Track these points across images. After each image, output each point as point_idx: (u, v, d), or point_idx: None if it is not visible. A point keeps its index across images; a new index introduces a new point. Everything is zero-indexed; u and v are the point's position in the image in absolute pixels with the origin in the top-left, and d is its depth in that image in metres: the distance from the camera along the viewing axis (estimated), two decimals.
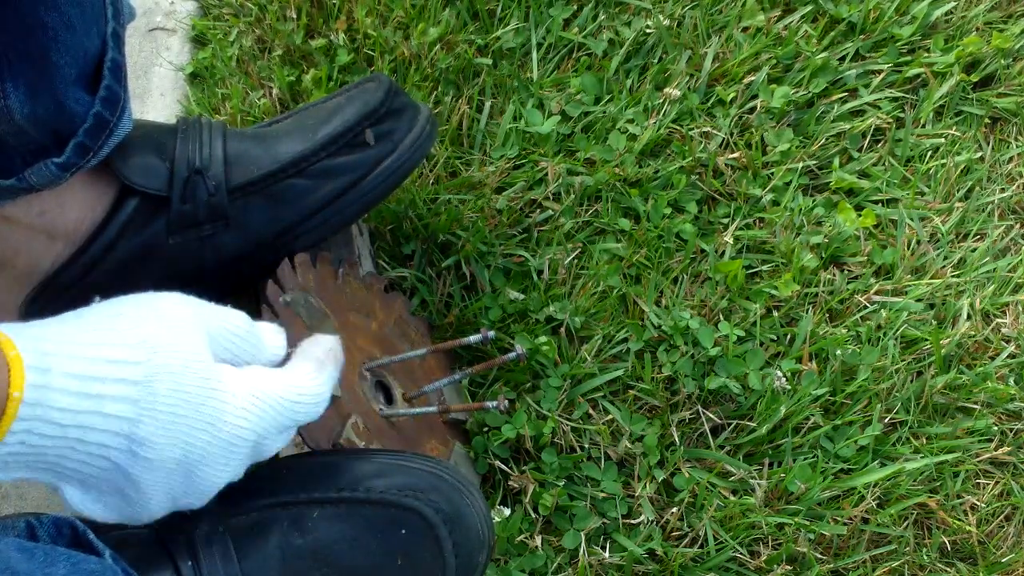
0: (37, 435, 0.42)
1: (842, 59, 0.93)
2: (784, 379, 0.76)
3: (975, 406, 0.77)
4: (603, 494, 0.72)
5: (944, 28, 0.96)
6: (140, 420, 0.45)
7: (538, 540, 0.70)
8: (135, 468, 0.46)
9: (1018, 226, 0.88)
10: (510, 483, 0.72)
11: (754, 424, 0.74)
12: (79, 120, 0.61)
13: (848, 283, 0.82)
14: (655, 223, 0.83)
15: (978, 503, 0.74)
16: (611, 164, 0.85)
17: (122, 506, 0.49)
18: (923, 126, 0.91)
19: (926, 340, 0.79)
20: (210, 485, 0.50)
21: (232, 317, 0.52)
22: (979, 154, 0.90)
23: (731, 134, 0.88)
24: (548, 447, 0.73)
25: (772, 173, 0.87)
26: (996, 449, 0.76)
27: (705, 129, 0.88)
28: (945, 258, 0.85)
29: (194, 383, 0.47)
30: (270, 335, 0.55)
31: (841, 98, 0.91)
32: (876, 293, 0.82)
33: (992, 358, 0.80)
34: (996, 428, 0.77)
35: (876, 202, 0.87)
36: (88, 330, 0.45)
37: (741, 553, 0.70)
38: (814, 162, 0.88)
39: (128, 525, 0.53)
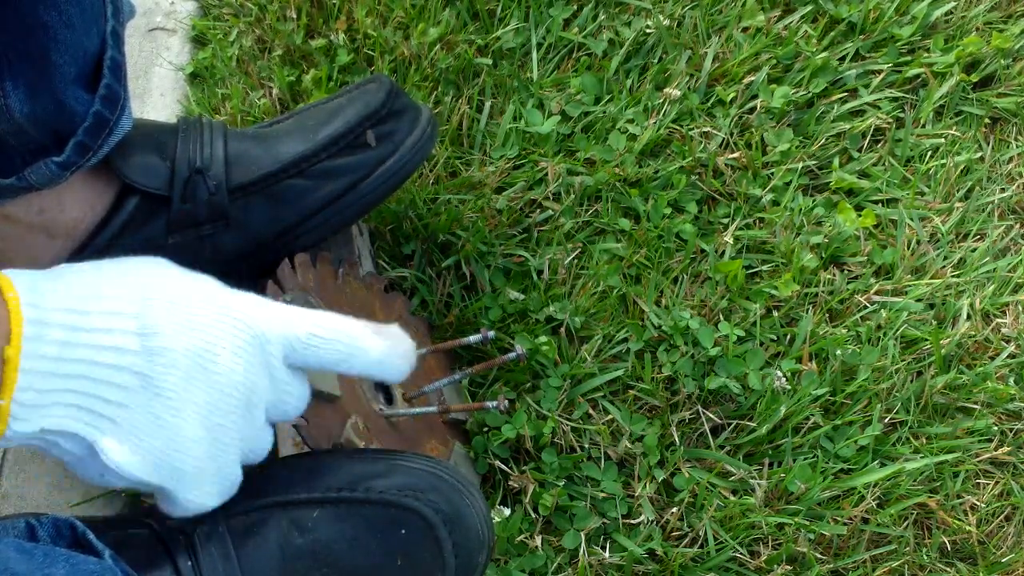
0: (50, 342, 0.43)
1: (842, 59, 0.93)
2: (784, 379, 0.76)
3: (975, 406, 0.77)
4: (603, 494, 0.72)
5: (944, 28, 0.96)
6: (144, 314, 0.46)
7: (538, 540, 0.70)
8: (156, 368, 0.46)
9: (1018, 226, 0.88)
10: (510, 483, 0.72)
11: (754, 424, 0.74)
12: (79, 119, 0.61)
13: (848, 283, 0.82)
14: (655, 223, 0.83)
15: (978, 503, 0.74)
16: (611, 164, 0.85)
17: (161, 449, 0.47)
18: (923, 126, 0.91)
19: (926, 340, 0.79)
20: (232, 388, 0.48)
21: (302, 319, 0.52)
22: (979, 154, 0.90)
23: (731, 134, 0.88)
24: (548, 447, 0.73)
25: (772, 173, 0.87)
26: (996, 449, 0.76)
27: (705, 129, 0.88)
28: (945, 258, 0.85)
29: (191, 290, 0.49)
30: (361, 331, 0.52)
31: (841, 98, 0.91)
32: (876, 293, 0.82)
33: (992, 358, 0.80)
34: (996, 428, 0.77)
35: (876, 202, 0.87)
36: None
37: (741, 553, 0.70)
38: (814, 162, 0.88)
39: (149, 515, 0.53)
